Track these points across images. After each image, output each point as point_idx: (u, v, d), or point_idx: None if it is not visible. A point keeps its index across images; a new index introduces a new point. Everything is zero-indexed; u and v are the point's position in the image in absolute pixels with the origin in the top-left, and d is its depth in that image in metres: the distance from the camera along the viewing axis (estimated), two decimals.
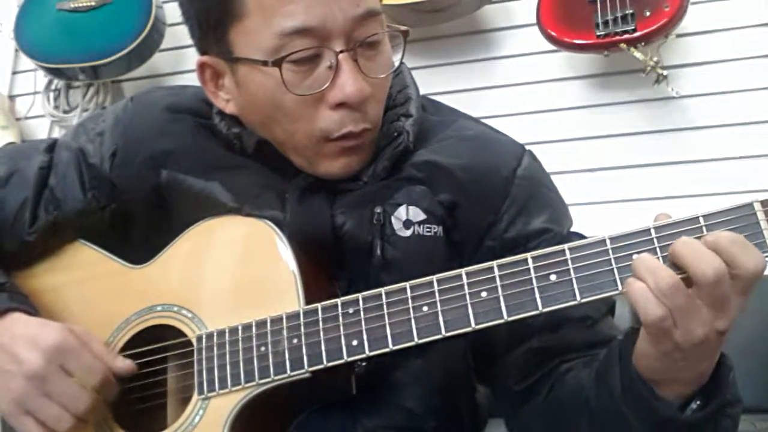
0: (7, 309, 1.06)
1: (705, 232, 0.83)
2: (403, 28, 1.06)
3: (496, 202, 1.08)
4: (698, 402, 0.87)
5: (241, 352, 1.00)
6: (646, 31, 2.09)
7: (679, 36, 2.24)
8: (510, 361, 1.08)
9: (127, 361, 1.06)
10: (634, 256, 0.84)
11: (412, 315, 0.92)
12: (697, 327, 0.81)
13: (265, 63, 0.99)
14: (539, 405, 1.05)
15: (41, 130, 2.85)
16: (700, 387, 0.87)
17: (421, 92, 1.17)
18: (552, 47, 2.28)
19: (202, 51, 1.08)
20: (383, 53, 1.04)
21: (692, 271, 0.80)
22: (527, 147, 1.16)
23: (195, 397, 1.02)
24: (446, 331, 0.90)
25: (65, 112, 2.75)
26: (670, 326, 0.81)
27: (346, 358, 0.94)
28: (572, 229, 1.14)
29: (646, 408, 0.87)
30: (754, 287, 0.82)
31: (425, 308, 0.91)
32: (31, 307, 1.09)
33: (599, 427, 0.95)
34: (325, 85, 1.00)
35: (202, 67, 1.08)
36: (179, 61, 2.67)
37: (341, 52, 0.99)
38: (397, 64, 1.08)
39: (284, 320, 0.98)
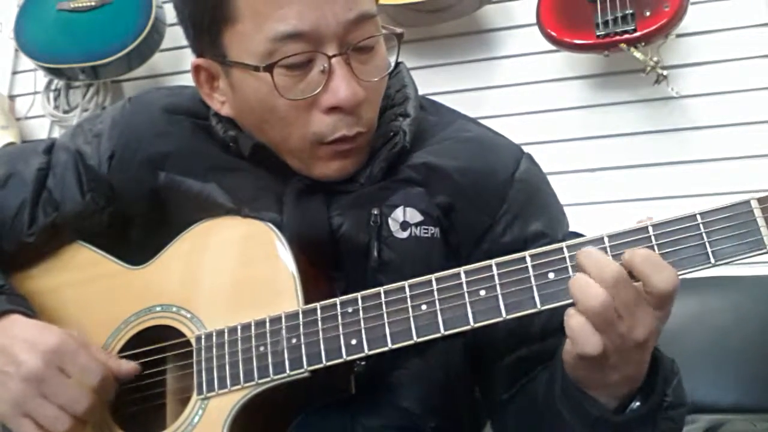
0: (5, 311, 1.06)
1: (702, 230, 0.83)
2: (398, 30, 1.06)
3: (493, 205, 1.08)
4: (638, 403, 0.89)
5: (240, 352, 1.00)
6: (646, 31, 2.09)
7: (679, 36, 2.24)
8: (499, 370, 1.08)
9: (129, 362, 1.06)
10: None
11: (411, 314, 0.92)
12: (614, 338, 0.83)
13: (256, 68, 0.99)
14: (516, 407, 1.07)
15: (41, 130, 2.85)
16: (636, 389, 0.89)
17: (421, 92, 1.16)
18: (552, 47, 2.28)
19: (198, 53, 1.08)
20: (377, 56, 1.04)
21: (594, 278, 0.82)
22: (527, 148, 1.15)
23: (194, 397, 1.02)
24: (445, 330, 0.90)
25: (65, 112, 2.75)
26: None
27: (345, 358, 0.94)
28: (572, 230, 1.13)
29: (578, 408, 0.90)
30: (671, 302, 0.84)
31: (424, 307, 0.91)
32: (29, 309, 1.09)
33: (548, 426, 0.97)
34: (318, 90, 0.99)
35: (197, 69, 1.08)
36: (179, 61, 2.66)
37: (334, 56, 0.98)
38: (392, 66, 1.08)
39: (283, 320, 0.98)
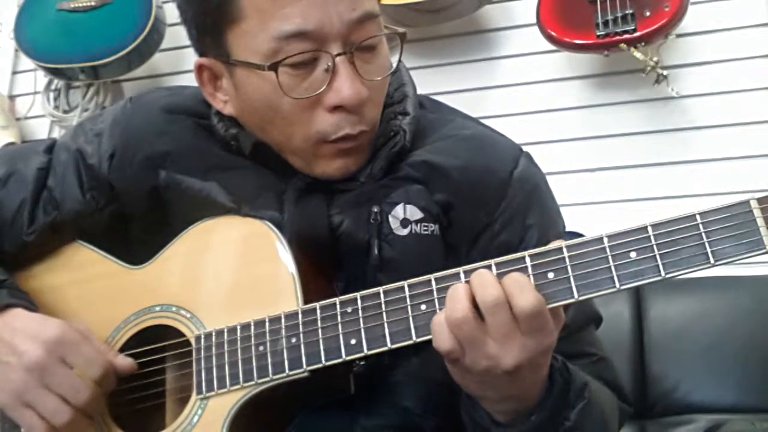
0: (7, 305, 1.06)
1: (702, 230, 0.83)
2: (401, 30, 1.06)
3: (492, 203, 1.08)
4: (533, 417, 0.92)
5: (239, 352, 1.00)
6: (646, 31, 2.10)
7: (679, 36, 2.24)
8: None
9: (127, 359, 1.06)
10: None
11: (410, 313, 0.92)
12: (481, 359, 0.87)
13: (261, 67, 0.99)
14: None
15: (41, 130, 2.85)
16: (534, 406, 0.92)
17: (421, 92, 1.17)
18: (552, 47, 2.28)
19: (200, 53, 1.08)
20: (381, 55, 1.04)
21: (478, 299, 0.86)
22: (527, 148, 1.15)
23: (193, 397, 1.02)
24: None
25: (65, 112, 2.75)
26: (459, 355, 0.88)
27: (344, 357, 0.94)
28: (572, 230, 1.13)
29: (471, 416, 0.97)
30: (538, 327, 0.86)
31: (423, 306, 0.91)
32: (30, 303, 1.09)
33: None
34: (322, 89, 1.00)
35: (200, 69, 1.08)
36: (179, 61, 2.66)
37: (338, 55, 0.99)
38: (394, 66, 1.08)
39: (282, 320, 0.98)
